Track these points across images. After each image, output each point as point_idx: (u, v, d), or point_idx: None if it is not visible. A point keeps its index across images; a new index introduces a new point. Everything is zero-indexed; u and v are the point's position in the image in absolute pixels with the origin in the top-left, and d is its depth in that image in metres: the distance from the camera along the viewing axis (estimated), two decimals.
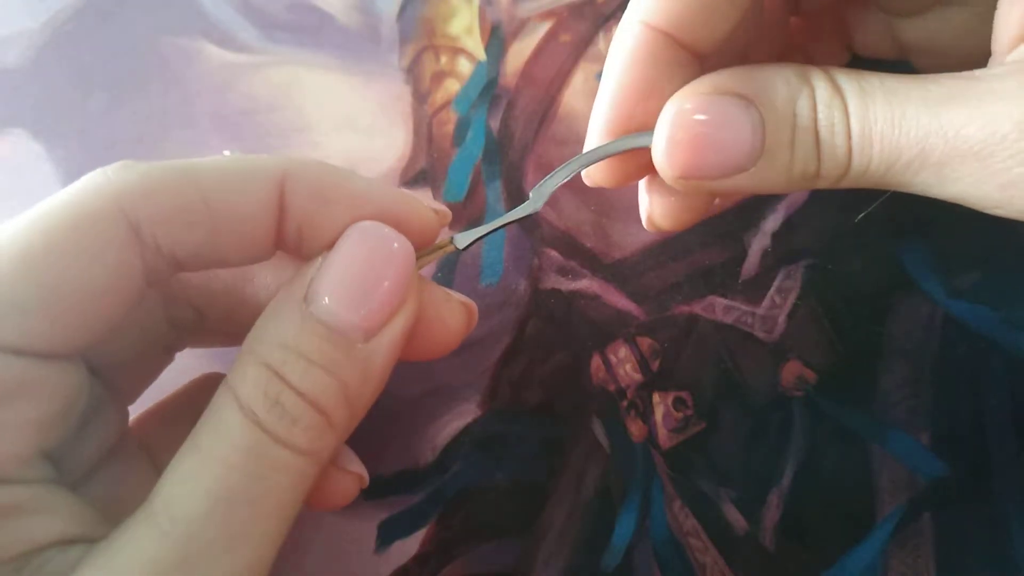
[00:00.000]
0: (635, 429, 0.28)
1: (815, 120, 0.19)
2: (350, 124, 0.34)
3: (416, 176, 0.33)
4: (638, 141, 0.21)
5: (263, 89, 0.35)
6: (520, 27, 0.34)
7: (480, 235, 0.22)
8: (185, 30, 0.36)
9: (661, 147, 0.20)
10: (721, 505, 0.27)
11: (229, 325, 0.23)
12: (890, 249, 0.29)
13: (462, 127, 0.33)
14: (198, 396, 0.24)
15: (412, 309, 0.20)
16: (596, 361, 0.29)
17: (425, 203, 0.22)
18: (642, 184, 0.24)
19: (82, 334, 0.18)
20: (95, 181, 0.18)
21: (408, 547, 0.28)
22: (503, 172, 0.32)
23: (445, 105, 0.34)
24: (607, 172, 0.23)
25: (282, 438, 0.18)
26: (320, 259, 0.20)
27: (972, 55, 0.21)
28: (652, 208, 0.24)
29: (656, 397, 0.28)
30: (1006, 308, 0.28)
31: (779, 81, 0.20)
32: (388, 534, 0.28)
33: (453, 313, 0.22)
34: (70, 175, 0.34)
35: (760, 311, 0.29)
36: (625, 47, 0.21)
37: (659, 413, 0.28)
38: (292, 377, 0.18)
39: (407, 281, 0.20)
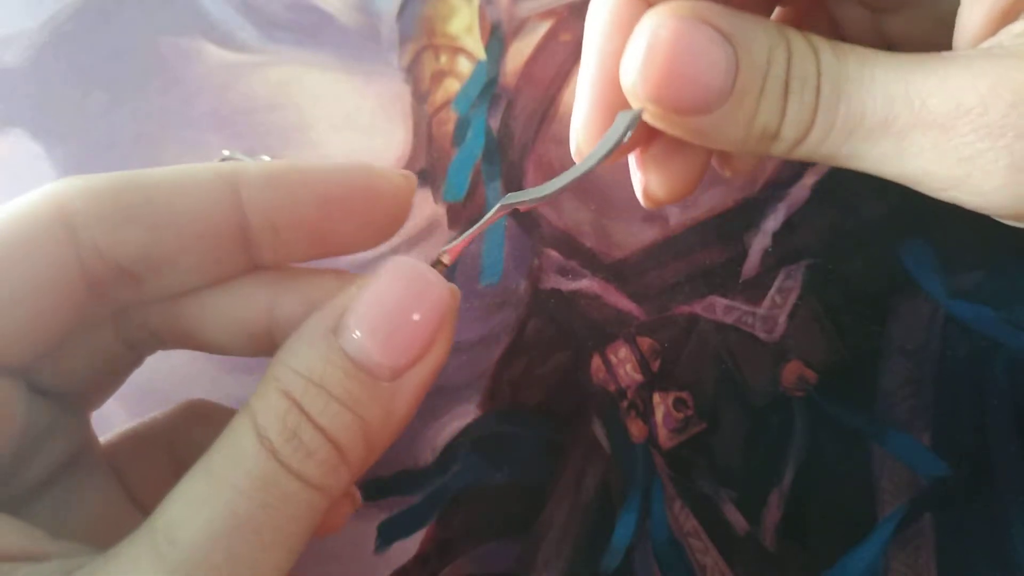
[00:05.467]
0: (635, 429, 0.28)
1: (788, 72, 0.19)
2: (350, 123, 0.34)
3: (416, 176, 0.32)
4: (618, 124, 0.21)
5: (263, 88, 0.35)
6: (520, 26, 0.34)
7: (459, 241, 0.21)
8: (185, 30, 0.36)
9: (636, 64, 0.19)
10: (721, 505, 0.27)
11: (192, 345, 0.22)
12: (891, 249, 0.29)
13: (462, 127, 0.33)
14: (179, 424, 0.24)
15: (443, 350, 0.19)
16: (596, 361, 0.29)
17: (391, 170, 0.21)
18: (632, 160, 0.24)
19: (17, 347, 0.17)
20: (39, 189, 0.18)
21: (408, 547, 0.28)
22: (503, 172, 0.32)
23: (445, 104, 0.34)
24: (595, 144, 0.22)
25: (295, 470, 0.17)
26: (354, 289, 0.19)
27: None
28: (647, 180, 0.23)
29: (656, 397, 0.28)
30: (1007, 308, 0.28)
31: (758, 28, 0.19)
32: (388, 535, 0.28)
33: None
34: (69, 175, 0.34)
35: (761, 311, 0.29)
36: (603, 13, 0.21)
37: (659, 413, 0.28)
38: (312, 410, 0.18)
39: (440, 322, 0.19)
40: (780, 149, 0.20)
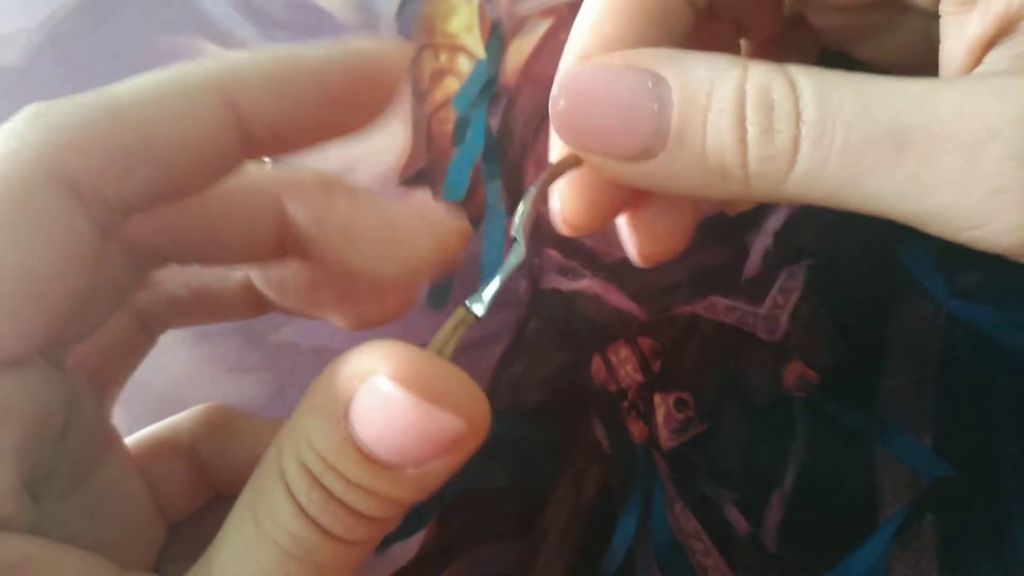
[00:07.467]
0: (636, 430, 0.28)
1: (740, 100, 0.17)
2: None
3: (415, 175, 0.32)
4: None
5: None
6: (520, 25, 0.34)
7: (493, 295, 0.20)
8: (183, 28, 0.36)
9: (554, 118, 0.18)
10: (723, 506, 0.27)
11: (199, 259, 0.21)
12: (893, 249, 0.29)
13: (462, 126, 0.33)
14: (201, 430, 0.23)
15: (476, 444, 0.18)
16: (597, 362, 0.29)
17: (381, 44, 0.19)
18: (622, 223, 0.22)
19: (44, 322, 0.16)
20: (10, 147, 0.16)
21: (408, 548, 0.27)
22: (503, 171, 0.32)
23: (444, 103, 0.33)
24: (581, 211, 0.21)
25: (337, 536, 0.17)
26: (364, 370, 0.17)
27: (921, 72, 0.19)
28: (640, 242, 0.22)
29: (657, 398, 0.28)
30: (1009, 308, 0.28)
31: (700, 61, 0.18)
32: (388, 536, 0.28)
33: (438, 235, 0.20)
34: None
35: (762, 311, 0.29)
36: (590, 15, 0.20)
37: (660, 414, 0.28)
38: (336, 491, 0.17)
39: (465, 437, 0.18)
40: (760, 189, 0.18)
